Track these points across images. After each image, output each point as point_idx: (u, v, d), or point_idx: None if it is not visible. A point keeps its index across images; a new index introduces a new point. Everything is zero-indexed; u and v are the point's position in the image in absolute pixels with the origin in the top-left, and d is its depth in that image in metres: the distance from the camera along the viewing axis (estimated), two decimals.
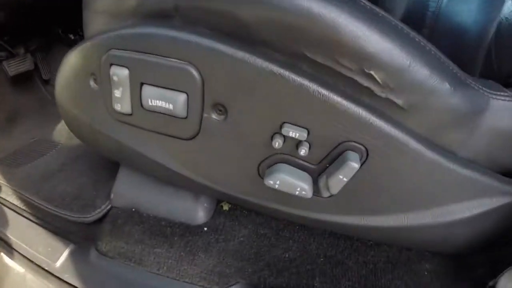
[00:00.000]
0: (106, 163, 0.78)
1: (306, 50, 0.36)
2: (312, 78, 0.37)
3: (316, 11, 0.34)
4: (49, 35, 1.16)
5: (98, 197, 0.66)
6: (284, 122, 0.39)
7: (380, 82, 0.36)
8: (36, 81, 1.09)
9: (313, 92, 0.37)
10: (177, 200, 0.59)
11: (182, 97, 0.42)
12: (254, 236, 0.58)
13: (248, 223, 0.60)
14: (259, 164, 0.45)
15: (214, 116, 0.43)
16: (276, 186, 0.42)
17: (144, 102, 0.44)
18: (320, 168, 0.42)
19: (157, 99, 0.43)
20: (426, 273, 0.54)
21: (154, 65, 0.41)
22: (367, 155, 0.39)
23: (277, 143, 0.40)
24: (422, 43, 0.37)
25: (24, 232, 0.64)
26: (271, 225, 0.60)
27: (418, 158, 0.39)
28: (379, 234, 0.49)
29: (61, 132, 0.97)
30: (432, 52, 0.38)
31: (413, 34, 0.37)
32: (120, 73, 0.43)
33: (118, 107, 0.46)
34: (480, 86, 0.40)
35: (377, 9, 0.37)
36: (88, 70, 0.49)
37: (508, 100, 0.40)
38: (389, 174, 0.41)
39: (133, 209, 0.60)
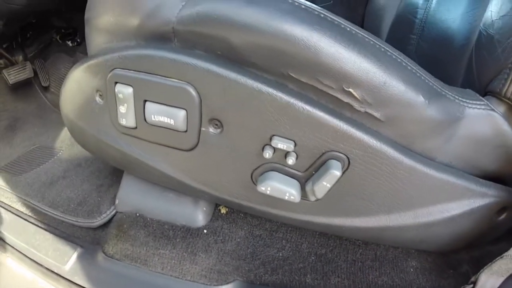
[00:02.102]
0: (107, 169, 0.83)
1: (291, 71, 0.41)
2: (297, 96, 0.42)
3: (299, 36, 0.39)
4: (47, 42, 1.21)
5: (103, 202, 0.71)
6: (273, 135, 0.45)
7: (359, 98, 0.41)
8: (35, 88, 1.14)
9: (298, 108, 0.42)
10: (178, 204, 0.65)
11: (182, 113, 0.47)
12: (250, 237, 0.64)
13: (244, 225, 0.66)
14: (252, 172, 0.51)
15: (211, 129, 0.49)
16: (268, 192, 0.48)
17: (147, 117, 0.49)
18: (307, 175, 0.48)
19: (159, 115, 0.48)
20: (412, 270, 0.58)
21: (156, 84, 0.47)
22: (349, 163, 0.44)
23: (268, 153, 0.46)
24: (398, 60, 0.42)
25: (32, 237, 0.70)
26: (265, 227, 0.66)
27: (397, 165, 0.44)
28: (364, 234, 0.54)
29: (62, 138, 1.02)
30: (409, 68, 0.42)
31: (390, 51, 0.42)
32: (124, 91, 0.49)
33: (123, 121, 0.51)
34: (456, 96, 0.44)
35: (357, 30, 0.42)
36: (94, 87, 0.54)
37: (483, 109, 0.44)
38: (369, 180, 0.46)
39: (137, 214, 0.66)
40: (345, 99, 0.41)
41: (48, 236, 0.69)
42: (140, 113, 0.50)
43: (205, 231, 0.64)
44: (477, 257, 0.59)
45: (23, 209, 0.77)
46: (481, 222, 0.51)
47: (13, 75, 1.03)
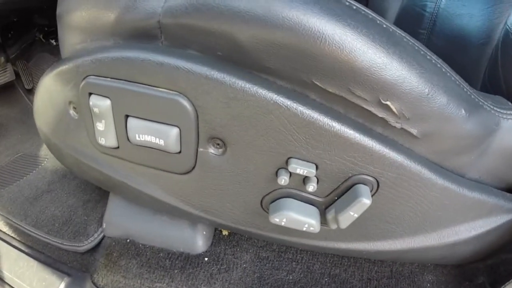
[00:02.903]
0: None
1: (315, 79, 0.30)
2: (321, 110, 0.31)
3: (330, 33, 0.27)
4: (30, 41, 1.06)
5: (89, 222, 0.59)
6: (290, 158, 0.34)
7: (396, 113, 0.31)
8: (18, 91, 1.00)
9: (323, 125, 0.31)
10: (174, 229, 0.53)
11: (173, 132, 0.35)
12: (256, 260, 0.53)
13: (250, 247, 0.54)
14: (262, 198, 0.39)
15: (211, 150, 0.36)
16: (283, 223, 0.37)
17: (130, 137, 0.37)
18: (328, 201, 0.37)
19: (145, 133, 0.36)
20: (428, 284, 0.52)
21: (139, 95, 0.34)
22: (378, 186, 0.35)
23: (283, 179, 0.34)
24: (438, 65, 0.32)
25: (15, 264, 0.58)
26: (272, 248, 0.55)
27: (430, 186, 0.36)
28: (385, 256, 0.47)
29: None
30: (448, 75, 0.33)
31: (429, 55, 0.32)
32: (101, 104, 0.36)
33: (102, 141, 0.39)
34: (492, 106, 0.36)
35: (394, 28, 0.31)
36: (66, 98, 0.42)
37: None
38: (398, 203, 0.37)
39: (128, 240, 0.54)
40: (380, 113, 0.31)
41: (32, 263, 0.57)
42: (122, 131, 0.37)
43: (206, 258, 0.53)
44: (492, 265, 0.52)
45: (5, 229, 0.65)
46: (505, 236, 0.44)
47: None
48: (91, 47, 0.39)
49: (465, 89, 0.34)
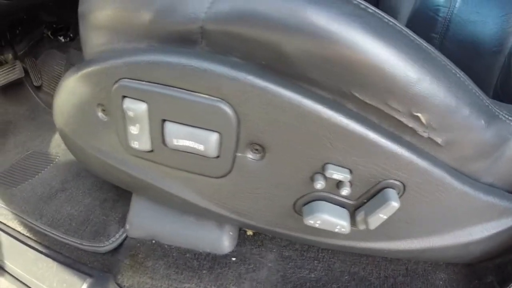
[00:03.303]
0: None
1: (355, 91, 0.31)
2: (358, 119, 0.32)
3: (375, 51, 0.28)
4: (38, 38, 1.02)
5: (109, 223, 0.57)
6: (327, 163, 0.34)
7: (425, 123, 0.33)
8: (27, 88, 0.96)
9: (359, 133, 0.32)
10: (201, 229, 0.51)
11: (214, 137, 0.33)
12: (279, 259, 0.52)
13: (274, 247, 0.53)
14: (296, 201, 0.38)
15: (249, 155, 0.35)
16: (317, 225, 0.37)
17: (167, 141, 0.35)
18: (357, 203, 0.38)
19: (183, 138, 0.34)
20: (441, 282, 0.52)
21: (179, 100, 0.32)
22: (404, 190, 0.36)
23: (320, 184, 0.35)
24: (462, 78, 0.33)
25: (34, 265, 0.55)
26: (295, 247, 0.54)
27: (451, 191, 0.37)
28: (403, 255, 0.48)
29: (57, 142, 0.85)
30: (470, 87, 0.34)
31: (454, 68, 0.33)
32: (136, 108, 0.34)
33: (135, 144, 0.36)
34: (507, 116, 0.37)
35: (421, 41, 0.32)
36: (95, 100, 0.39)
37: None
38: (420, 206, 0.38)
39: (153, 241, 0.52)
40: (410, 123, 0.33)
41: (52, 263, 0.54)
42: (157, 135, 0.35)
43: (233, 258, 0.51)
44: (500, 264, 0.53)
45: (20, 228, 0.62)
46: None
47: (3, 76, 0.85)
48: (120, 48, 0.36)
49: (484, 101, 0.35)
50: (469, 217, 0.41)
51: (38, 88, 0.98)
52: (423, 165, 0.34)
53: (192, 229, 0.51)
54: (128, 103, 0.34)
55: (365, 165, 0.34)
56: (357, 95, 0.31)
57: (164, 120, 0.34)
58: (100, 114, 0.40)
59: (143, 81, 0.33)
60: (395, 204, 0.34)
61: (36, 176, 0.75)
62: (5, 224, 0.64)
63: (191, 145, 0.34)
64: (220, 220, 0.48)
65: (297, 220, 0.40)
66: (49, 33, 1.03)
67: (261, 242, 0.54)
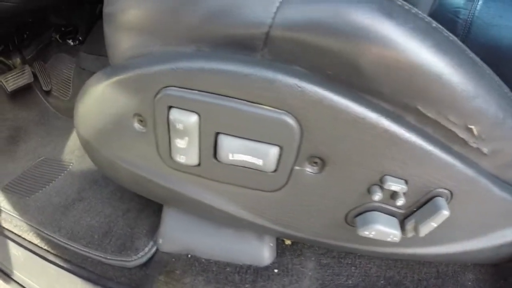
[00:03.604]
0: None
1: (420, 105, 0.31)
2: (416, 131, 0.32)
3: (445, 70, 0.28)
4: (46, 42, 0.97)
5: (136, 235, 0.53)
6: (385, 175, 0.34)
7: (476, 135, 0.33)
8: (36, 93, 0.91)
9: (418, 145, 0.32)
10: (240, 241, 0.47)
11: (274, 151, 0.30)
12: (318, 267, 0.50)
13: (312, 255, 0.51)
14: (348, 212, 0.37)
15: (307, 169, 0.32)
16: (371, 235, 0.37)
17: (221, 156, 0.31)
18: (407, 212, 0.38)
19: (240, 153, 0.30)
20: (470, 283, 0.53)
21: (237, 112, 0.29)
22: (451, 198, 0.36)
23: (378, 196, 0.34)
24: (505, 89, 0.34)
25: (56, 281, 0.51)
26: (333, 254, 0.52)
27: (491, 196, 0.37)
28: (441, 259, 0.48)
29: (70, 149, 0.81)
30: (509, 95, 0.34)
31: (499, 81, 0.34)
32: (185, 120, 0.30)
33: (181, 158, 0.33)
34: None
35: (473, 56, 0.32)
36: (131, 110, 0.35)
37: None
38: (464, 212, 0.39)
39: (189, 255, 0.48)
40: (463, 135, 0.33)
41: (75, 279, 0.50)
42: (208, 149, 0.32)
43: (276, 270, 0.48)
44: None
45: (37, 241, 0.58)
46: None
47: (12, 81, 0.80)
48: (161, 53, 0.32)
49: None
50: (504, 220, 0.41)
51: (47, 93, 0.93)
52: (471, 174, 0.34)
53: (232, 241, 0.47)
54: (176, 114, 0.30)
55: (420, 175, 0.34)
56: (420, 108, 0.31)
57: (217, 133, 0.30)
58: (136, 125, 0.36)
59: (194, 90, 0.30)
60: (446, 213, 0.34)
61: (50, 184, 0.70)
62: (20, 236, 0.59)
63: (248, 160, 0.30)
64: (263, 232, 0.45)
65: (347, 231, 0.39)
66: (57, 37, 0.98)
67: (300, 251, 0.52)
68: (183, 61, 0.30)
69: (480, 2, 0.64)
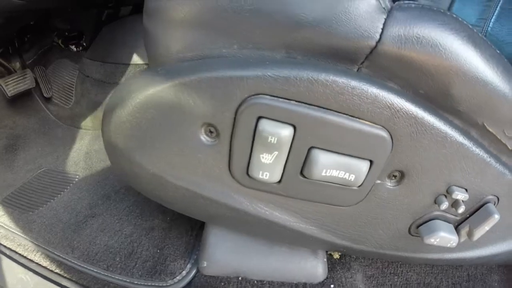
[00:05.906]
0: (150, 204, 0.59)
1: (487, 122, 0.33)
2: (478, 144, 0.34)
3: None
4: (47, 46, 0.90)
5: (170, 257, 0.47)
6: (452, 185, 0.35)
7: None
8: (36, 100, 0.83)
9: (480, 157, 0.33)
10: (295, 259, 0.44)
11: (365, 166, 0.29)
12: (364, 279, 0.50)
13: (359, 267, 0.51)
14: (412, 222, 0.37)
15: (388, 183, 0.33)
16: (435, 242, 0.37)
17: (313, 172, 0.28)
18: (461, 218, 0.39)
19: (335, 169, 0.27)
20: (496, 284, 0.55)
21: (335, 126, 0.26)
22: (497, 203, 0.38)
23: (445, 205, 0.35)
24: None
25: None
26: (376, 265, 0.53)
27: None
28: (480, 261, 0.48)
29: (74, 160, 0.74)
30: None
31: None
32: (279, 133, 0.27)
33: (264, 175, 0.29)
34: None
35: None
36: (199, 119, 0.31)
37: None
38: (505, 216, 0.39)
39: (240, 278, 0.43)
40: (511, 145, 0.36)
41: None
42: (296, 165, 0.29)
43: (332, 285, 0.47)
44: None
45: (46, 263, 0.51)
46: None
47: (12, 86, 0.72)
48: (242, 55, 0.29)
49: None
50: None
51: (48, 100, 0.86)
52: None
53: (285, 259, 0.44)
54: (267, 126, 0.27)
55: (479, 184, 0.35)
56: (486, 125, 0.33)
57: (310, 149, 0.28)
58: (203, 136, 0.32)
59: (291, 100, 0.27)
60: (497, 217, 0.36)
61: (56, 198, 0.63)
62: (25, 258, 0.52)
63: (341, 176, 0.28)
64: (326, 248, 0.42)
65: (408, 240, 0.39)
66: (59, 42, 0.92)
67: (348, 264, 0.52)
68: (276, 68, 0.27)
69: (492, 20, 0.65)
